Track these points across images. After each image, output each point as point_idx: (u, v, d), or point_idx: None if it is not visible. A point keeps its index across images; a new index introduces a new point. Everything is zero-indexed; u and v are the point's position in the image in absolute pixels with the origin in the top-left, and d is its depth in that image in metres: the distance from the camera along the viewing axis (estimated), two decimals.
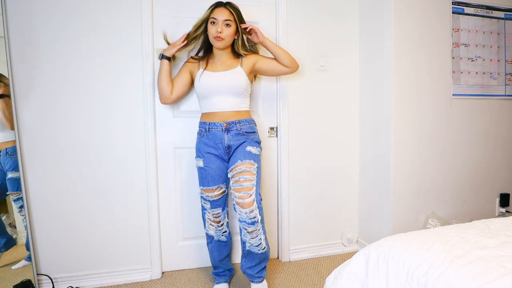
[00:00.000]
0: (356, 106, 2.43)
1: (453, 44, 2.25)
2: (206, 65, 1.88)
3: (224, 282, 1.95)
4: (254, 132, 1.88)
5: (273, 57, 1.89)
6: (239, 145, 1.82)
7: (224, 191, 1.88)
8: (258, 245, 1.79)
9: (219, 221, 1.88)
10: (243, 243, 1.85)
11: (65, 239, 1.97)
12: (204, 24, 1.85)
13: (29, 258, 1.88)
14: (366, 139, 2.39)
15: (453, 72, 2.27)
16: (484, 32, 2.33)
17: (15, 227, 1.90)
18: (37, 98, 1.88)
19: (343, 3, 2.35)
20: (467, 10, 2.28)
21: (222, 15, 1.77)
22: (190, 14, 2.08)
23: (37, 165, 1.89)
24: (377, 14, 2.21)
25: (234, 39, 1.86)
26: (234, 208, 1.79)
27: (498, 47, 2.38)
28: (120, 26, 1.97)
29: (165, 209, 2.14)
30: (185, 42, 1.88)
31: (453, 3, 2.23)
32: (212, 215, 1.86)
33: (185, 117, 2.13)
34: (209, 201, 1.85)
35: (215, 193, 1.83)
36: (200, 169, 1.86)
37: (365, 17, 2.33)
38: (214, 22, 1.78)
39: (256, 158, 1.83)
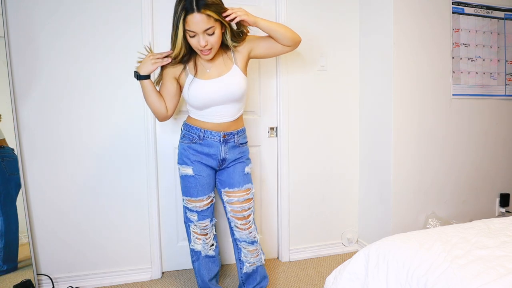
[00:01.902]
0: (356, 106, 2.43)
1: (453, 44, 2.25)
2: (196, 69, 1.58)
3: None
4: (247, 142, 1.77)
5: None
6: (235, 162, 1.70)
7: (212, 200, 1.73)
8: (259, 261, 1.76)
9: (207, 233, 1.73)
10: (242, 264, 1.75)
11: (65, 239, 1.97)
12: (183, 37, 1.48)
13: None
14: (366, 138, 2.39)
15: (453, 72, 2.27)
16: (484, 32, 2.33)
17: None
18: (37, 98, 1.88)
19: (343, 3, 2.35)
20: (467, 10, 2.28)
21: (198, 25, 1.41)
22: None
23: (37, 165, 1.90)
24: (377, 14, 2.21)
25: (223, 33, 1.53)
26: (230, 226, 1.74)
27: (498, 47, 2.38)
28: (120, 26, 1.97)
29: (165, 209, 2.14)
30: (169, 61, 1.56)
31: (453, 3, 2.23)
32: (200, 227, 1.70)
33: (185, 117, 2.12)
34: (196, 212, 1.68)
35: (205, 202, 1.68)
36: (187, 177, 1.65)
37: (365, 17, 2.33)
38: (192, 36, 1.46)
39: (251, 179, 1.76)
